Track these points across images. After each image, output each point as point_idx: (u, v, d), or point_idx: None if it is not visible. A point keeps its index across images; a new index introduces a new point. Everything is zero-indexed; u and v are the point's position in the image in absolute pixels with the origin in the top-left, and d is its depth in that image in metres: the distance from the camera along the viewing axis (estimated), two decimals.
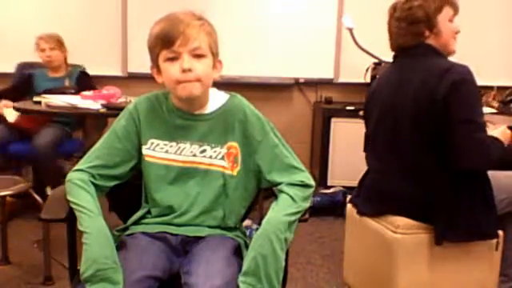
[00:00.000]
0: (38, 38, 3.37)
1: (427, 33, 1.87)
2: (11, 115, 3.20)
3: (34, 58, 3.47)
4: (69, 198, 1.32)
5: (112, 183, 1.41)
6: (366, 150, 2.14)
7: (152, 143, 1.42)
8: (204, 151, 1.40)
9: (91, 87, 3.20)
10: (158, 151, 1.41)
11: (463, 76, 1.75)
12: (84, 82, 3.41)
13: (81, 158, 1.44)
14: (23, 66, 3.73)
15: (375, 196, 2.01)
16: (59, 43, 3.42)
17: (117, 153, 1.40)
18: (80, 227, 1.28)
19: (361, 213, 2.08)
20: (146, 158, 1.42)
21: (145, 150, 1.42)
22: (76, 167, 1.39)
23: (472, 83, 1.77)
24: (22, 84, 3.44)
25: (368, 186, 2.06)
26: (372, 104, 2.06)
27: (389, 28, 1.94)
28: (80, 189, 1.33)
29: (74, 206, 1.30)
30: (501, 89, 3.35)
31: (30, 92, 3.31)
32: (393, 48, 1.98)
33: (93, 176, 1.37)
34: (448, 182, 1.80)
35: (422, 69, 1.84)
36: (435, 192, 1.81)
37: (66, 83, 3.39)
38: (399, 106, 1.88)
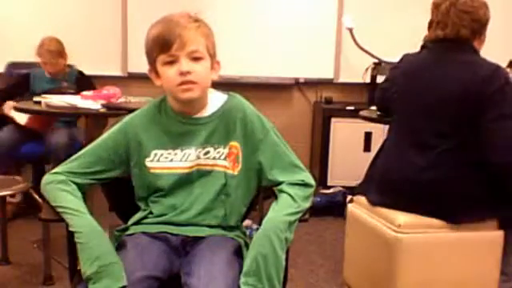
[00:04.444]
0: (40, 48, 3.30)
1: (477, 35, 1.95)
2: (21, 117, 3.21)
3: (25, 57, 3.46)
4: (51, 203, 1.32)
5: (91, 183, 1.41)
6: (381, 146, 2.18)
7: (155, 154, 1.41)
8: (208, 153, 1.40)
9: (91, 86, 3.20)
10: (162, 161, 1.40)
11: (508, 79, 1.87)
12: (83, 82, 3.40)
13: None
14: (13, 66, 3.71)
15: (390, 187, 2.02)
16: (61, 54, 3.38)
17: (100, 162, 1.40)
18: (71, 228, 1.27)
19: (372, 202, 2.08)
20: (152, 171, 1.40)
21: (148, 163, 1.41)
22: (54, 170, 1.38)
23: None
24: (20, 83, 3.40)
25: (380, 177, 2.06)
26: (401, 91, 2.07)
27: (444, 17, 1.94)
28: (61, 191, 1.32)
29: (58, 210, 1.30)
30: None
31: (27, 92, 3.29)
32: (435, 36, 1.98)
33: (70, 178, 1.37)
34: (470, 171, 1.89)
35: (471, 64, 1.90)
36: (461, 180, 1.88)
37: (65, 84, 3.37)
38: (443, 98, 1.91)
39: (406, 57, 2.13)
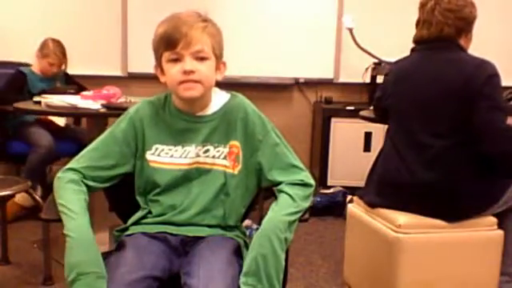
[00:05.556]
0: (48, 49, 3.32)
1: (463, 34, 1.96)
2: (60, 119, 3.31)
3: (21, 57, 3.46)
4: (57, 199, 1.31)
5: (102, 185, 1.40)
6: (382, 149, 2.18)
7: (156, 148, 1.41)
8: (207, 151, 1.40)
9: (79, 85, 3.32)
10: (163, 156, 1.41)
11: (495, 71, 1.89)
12: (71, 81, 3.48)
13: None
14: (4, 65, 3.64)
15: (389, 188, 2.02)
16: (66, 55, 3.40)
17: (113, 155, 1.39)
18: (64, 230, 1.26)
19: (371, 204, 2.08)
20: (151, 164, 1.40)
21: (149, 156, 1.41)
22: (69, 166, 1.37)
23: (499, 78, 1.92)
24: (20, 84, 3.35)
25: (379, 179, 2.06)
26: (394, 94, 2.09)
27: (429, 15, 1.96)
28: (67, 190, 1.31)
29: (59, 208, 1.29)
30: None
31: (24, 92, 3.26)
32: (420, 35, 2.00)
33: (84, 176, 1.35)
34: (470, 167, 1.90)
35: (456, 61, 1.92)
36: (458, 178, 1.89)
37: (58, 84, 3.39)
38: (432, 97, 1.93)
39: (396, 62, 2.15)
